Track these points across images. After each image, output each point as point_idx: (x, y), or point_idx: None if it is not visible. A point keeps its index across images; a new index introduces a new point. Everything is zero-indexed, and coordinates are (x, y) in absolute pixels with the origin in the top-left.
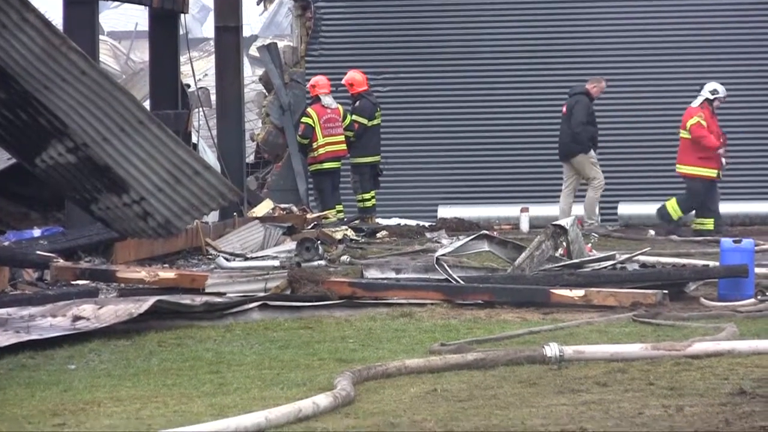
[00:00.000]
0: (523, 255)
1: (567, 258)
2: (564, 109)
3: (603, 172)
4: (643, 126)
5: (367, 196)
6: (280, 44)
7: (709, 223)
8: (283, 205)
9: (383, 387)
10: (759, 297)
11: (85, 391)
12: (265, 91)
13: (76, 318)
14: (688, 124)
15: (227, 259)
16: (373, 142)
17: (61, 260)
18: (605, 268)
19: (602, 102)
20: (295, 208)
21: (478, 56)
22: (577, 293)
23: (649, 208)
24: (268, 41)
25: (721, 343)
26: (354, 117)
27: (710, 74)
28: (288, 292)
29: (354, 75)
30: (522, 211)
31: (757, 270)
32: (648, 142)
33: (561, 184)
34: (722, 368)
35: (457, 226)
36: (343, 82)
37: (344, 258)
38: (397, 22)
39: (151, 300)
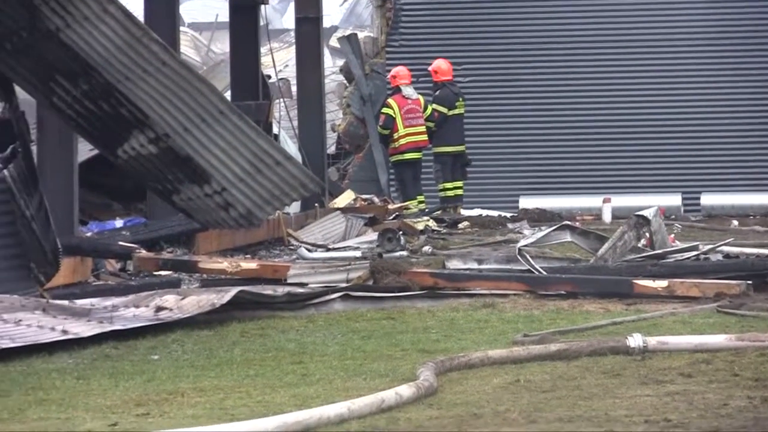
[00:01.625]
0: (606, 245)
1: (650, 248)
2: None
3: (686, 163)
4: (727, 116)
5: (448, 185)
6: (361, 35)
7: None
8: (364, 196)
9: (466, 378)
10: None
11: (168, 381)
12: (345, 81)
13: (159, 308)
14: None
15: (309, 250)
16: (454, 132)
17: (144, 251)
18: (688, 258)
19: (688, 93)
20: (376, 199)
21: (560, 46)
22: (661, 284)
23: (732, 199)
24: (348, 32)
25: None
26: (434, 106)
27: None
28: (370, 282)
29: (440, 63)
30: (604, 201)
31: None
32: (731, 132)
33: (644, 174)
34: None
35: (538, 217)
36: (429, 69)
37: (426, 249)
38: (477, 12)
39: (234, 290)
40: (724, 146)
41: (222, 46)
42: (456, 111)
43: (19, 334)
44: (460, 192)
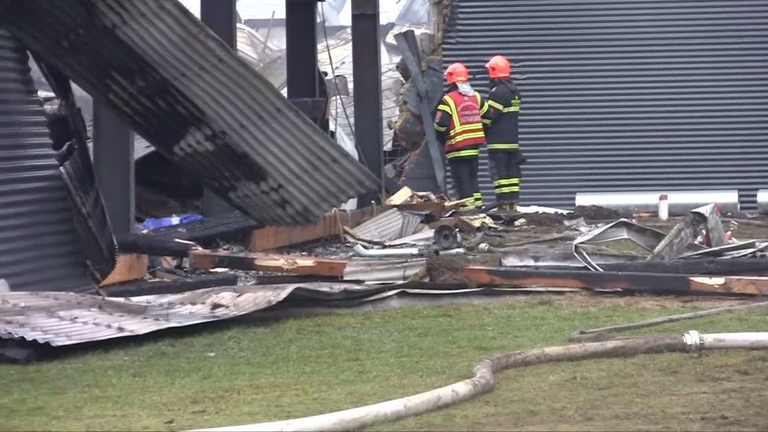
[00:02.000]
0: (663, 243)
1: (706, 246)
2: None
3: (743, 160)
4: None
5: (504, 182)
6: (417, 32)
7: None
8: (420, 193)
9: (522, 375)
10: None
11: (224, 378)
12: (402, 78)
13: (215, 306)
14: None
15: (365, 247)
16: (509, 129)
17: (200, 248)
18: (745, 255)
19: (747, 90)
20: (432, 196)
21: (617, 43)
22: (717, 281)
23: None
24: (404, 29)
25: None
26: (490, 102)
27: None
28: (426, 279)
29: (498, 60)
30: (661, 198)
31: None
32: None
33: (700, 171)
34: None
35: (595, 214)
36: (486, 65)
37: (482, 246)
38: (534, 9)
39: (290, 288)
40: None
41: (278, 43)
42: (511, 108)
43: (75, 331)
44: (515, 189)
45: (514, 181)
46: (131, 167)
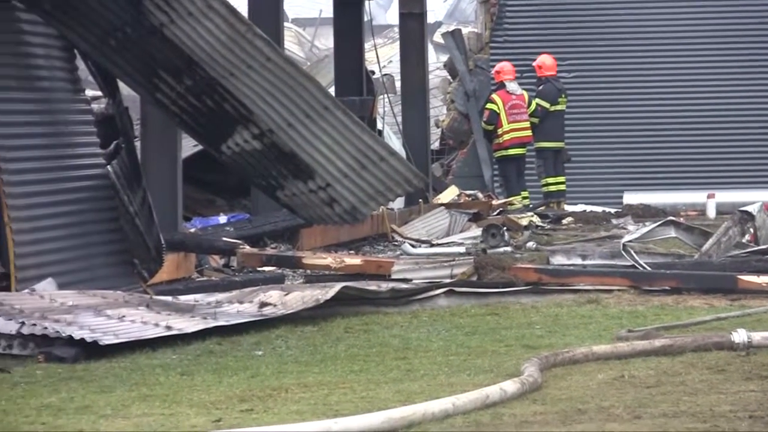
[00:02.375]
0: (710, 241)
1: (754, 244)
2: None
3: None
4: None
5: (551, 180)
6: (465, 30)
7: None
8: (468, 192)
9: (570, 373)
10: None
11: (272, 377)
12: (449, 77)
13: (263, 304)
14: None
15: (413, 246)
16: (556, 128)
17: (248, 247)
18: None
19: None
20: (480, 195)
21: (663, 41)
22: (765, 279)
23: None
24: (452, 28)
25: None
26: (537, 100)
27: None
28: (474, 278)
29: (545, 58)
30: (708, 197)
31: None
32: None
33: (748, 170)
34: None
35: (643, 213)
36: (533, 64)
37: (530, 244)
38: (581, 7)
39: (338, 286)
40: None
41: (326, 41)
42: (558, 107)
43: (123, 330)
44: (562, 187)
45: (562, 179)
46: (179, 166)
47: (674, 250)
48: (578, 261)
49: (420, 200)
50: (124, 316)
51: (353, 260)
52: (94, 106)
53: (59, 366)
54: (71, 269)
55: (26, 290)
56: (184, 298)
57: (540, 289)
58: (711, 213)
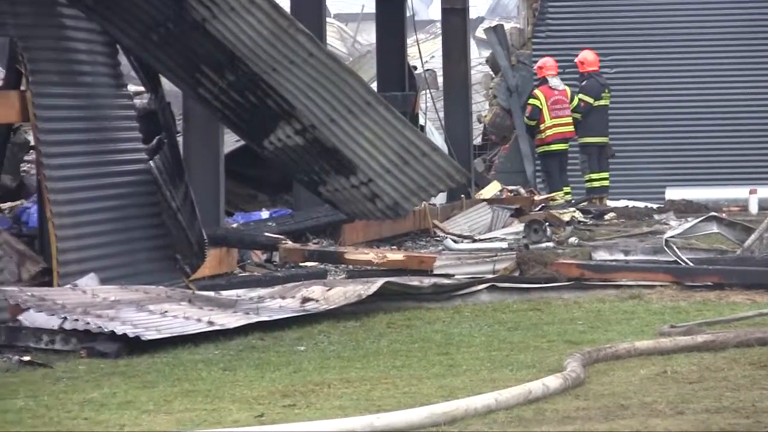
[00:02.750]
0: (753, 237)
1: None
2: None
3: None
4: None
5: (594, 176)
6: (507, 26)
7: None
8: (510, 187)
9: (613, 369)
10: None
11: (314, 372)
12: (491, 72)
13: (305, 299)
14: None
15: (455, 241)
16: (600, 123)
17: (290, 242)
18: None
19: None
20: (522, 190)
21: (706, 36)
22: None
23: None
24: (494, 23)
25: None
26: (580, 96)
27: None
28: (516, 273)
29: (586, 54)
30: (751, 192)
31: None
32: None
33: None
34: None
35: (685, 208)
36: (575, 60)
37: (572, 240)
38: (624, 2)
39: (380, 281)
40: None
41: (368, 37)
42: (601, 102)
43: (165, 325)
44: (606, 183)
45: (605, 175)
46: (221, 161)
47: (716, 245)
48: (621, 256)
49: (462, 196)
50: (166, 312)
51: (395, 256)
52: (137, 101)
53: (101, 361)
54: (113, 264)
55: (68, 285)
56: (226, 294)
57: (582, 284)
58: (753, 209)
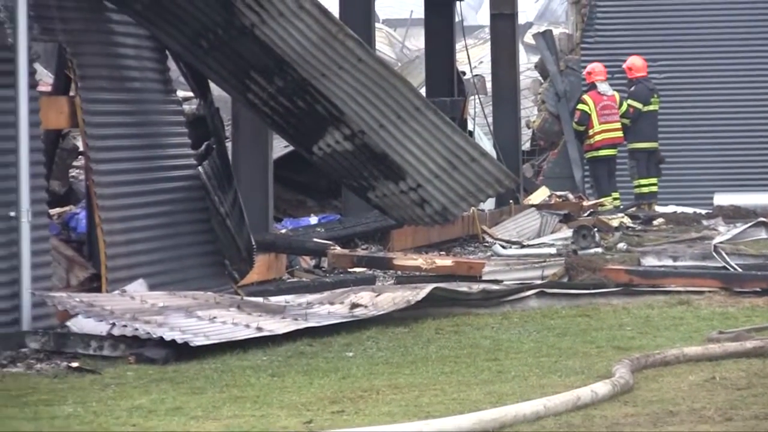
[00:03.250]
0: None
1: None
2: None
3: None
4: None
5: (643, 182)
6: (556, 31)
7: None
8: (559, 193)
9: (661, 375)
10: None
11: (363, 378)
12: (540, 78)
13: (354, 305)
14: None
15: (504, 247)
16: (649, 128)
17: (338, 248)
18: None
19: None
20: (571, 196)
21: (755, 41)
22: None
23: None
24: (543, 28)
25: None
26: (629, 101)
27: None
28: (565, 279)
29: (634, 60)
30: None
31: None
32: None
33: None
34: None
35: (733, 214)
36: (623, 66)
37: (621, 245)
38: (672, 7)
39: (429, 287)
40: None
41: (417, 42)
42: (651, 107)
43: (214, 331)
44: (654, 188)
45: (653, 180)
46: (270, 167)
47: (765, 251)
48: (669, 262)
49: (511, 201)
50: (215, 318)
51: (444, 261)
52: (186, 106)
53: (150, 367)
54: (162, 270)
55: (117, 291)
56: (274, 299)
57: (631, 290)
58: None
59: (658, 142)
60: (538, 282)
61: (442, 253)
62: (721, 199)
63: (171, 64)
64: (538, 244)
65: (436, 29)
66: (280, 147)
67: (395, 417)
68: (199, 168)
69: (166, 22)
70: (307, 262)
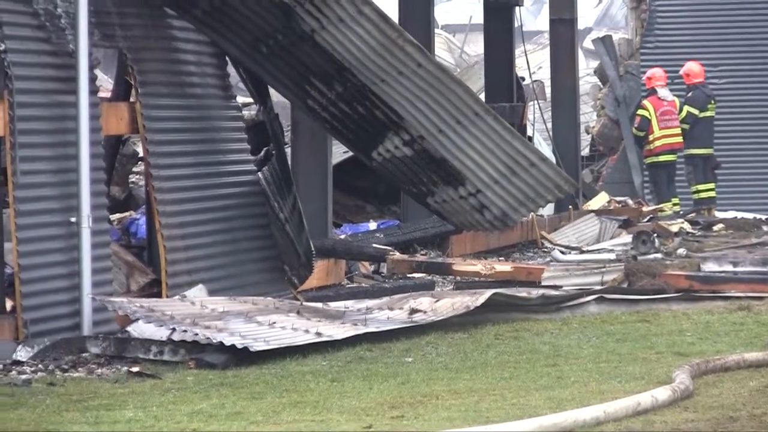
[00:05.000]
0: None
1: None
2: None
3: None
4: None
5: (701, 187)
6: (615, 36)
7: None
8: (618, 198)
9: (722, 380)
10: None
11: (422, 383)
12: (600, 83)
13: (413, 311)
14: None
15: (563, 252)
16: (705, 134)
17: (398, 253)
18: None
19: None
20: (630, 201)
21: None
22: None
23: None
24: (602, 34)
25: None
26: (686, 107)
27: None
28: (624, 285)
29: (691, 66)
30: None
31: None
32: None
33: None
34: None
35: None
36: (680, 72)
37: (681, 251)
38: (732, 13)
39: (488, 293)
40: None
41: (476, 48)
42: (707, 113)
43: (274, 336)
44: (712, 194)
45: (711, 186)
46: (329, 172)
47: None
48: (729, 268)
49: (570, 207)
50: (274, 323)
51: (503, 267)
52: (245, 112)
53: (210, 372)
54: (222, 276)
55: (177, 296)
56: (334, 305)
57: (691, 296)
58: None
59: (714, 148)
60: (598, 287)
61: (501, 258)
62: None
63: (231, 69)
64: (597, 249)
65: (496, 34)
66: (339, 152)
67: (454, 422)
68: (259, 174)
69: (225, 27)
70: (366, 267)
